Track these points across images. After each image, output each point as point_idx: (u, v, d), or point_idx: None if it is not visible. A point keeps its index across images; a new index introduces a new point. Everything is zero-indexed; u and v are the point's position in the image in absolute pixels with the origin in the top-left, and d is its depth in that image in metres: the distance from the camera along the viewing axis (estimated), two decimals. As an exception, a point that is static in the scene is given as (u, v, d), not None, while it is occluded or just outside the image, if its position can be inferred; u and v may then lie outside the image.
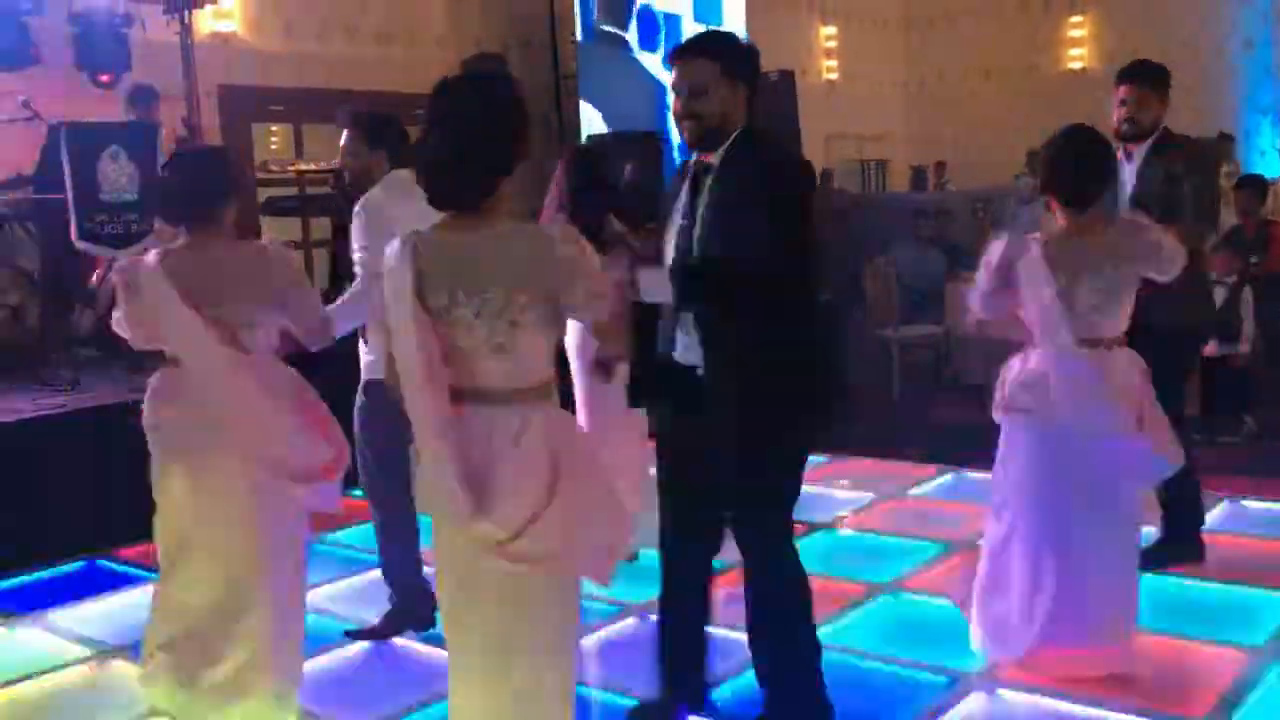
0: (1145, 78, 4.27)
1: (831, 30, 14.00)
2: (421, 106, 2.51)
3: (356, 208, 3.79)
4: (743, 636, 3.23)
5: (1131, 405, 3.40)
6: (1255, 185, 7.66)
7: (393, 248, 2.43)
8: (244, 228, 4.78)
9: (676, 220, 3.08)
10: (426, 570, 3.85)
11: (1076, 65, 13.65)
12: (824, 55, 13.98)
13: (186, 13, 7.33)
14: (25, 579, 4.87)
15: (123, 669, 3.90)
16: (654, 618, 3.43)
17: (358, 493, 4.15)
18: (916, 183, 13.27)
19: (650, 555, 3.46)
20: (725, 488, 3.10)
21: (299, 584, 3.42)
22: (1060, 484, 3.41)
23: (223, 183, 3.35)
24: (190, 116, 7.20)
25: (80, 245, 6.04)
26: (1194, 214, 4.11)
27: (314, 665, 3.69)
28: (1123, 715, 3.28)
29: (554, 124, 9.95)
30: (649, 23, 10.49)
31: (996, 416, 3.59)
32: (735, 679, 3.51)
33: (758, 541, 3.11)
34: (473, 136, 2.39)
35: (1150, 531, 4.14)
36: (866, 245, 9.35)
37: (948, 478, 5.79)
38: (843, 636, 3.87)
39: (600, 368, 4.25)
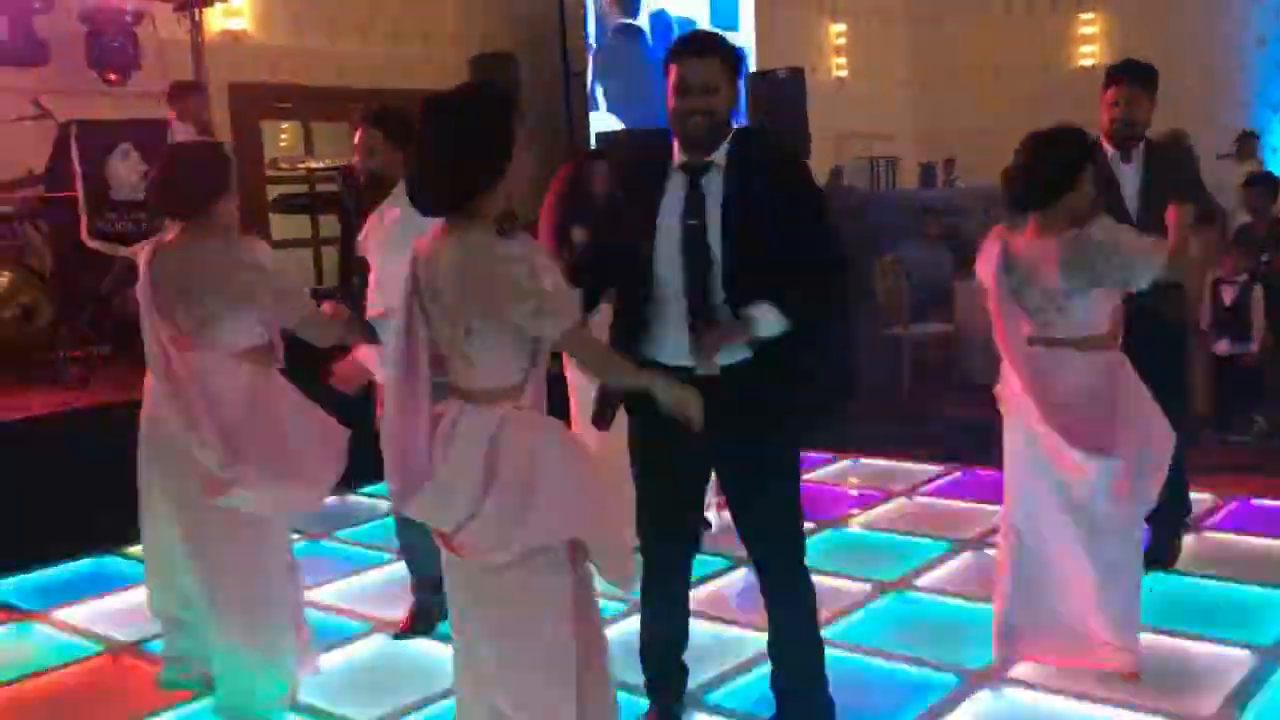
0: (1136, 77, 4.21)
1: (841, 28, 13.98)
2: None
3: (399, 215, 3.60)
4: (742, 635, 3.23)
5: (1083, 411, 3.33)
6: (1266, 183, 7.62)
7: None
8: (250, 225, 4.80)
9: (673, 223, 2.95)
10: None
11: (1087, 63, 13.60)
12: (833, 53, 13.96)
13: (197, 10, 7.36)
14: (36, 575, 4.90)
15: (133, 665, 3.93)
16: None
17: (368, 490, 4.16)
18: (925, 180, 13.24)
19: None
20: (743, 492, 3.09)
21: (259, 593, 3.39)
22: (1049, 482, 3.41)
23: (209, 178, 3.35)
24: (203, 113, 7.22)
25: (91, 243, 6.06)
26: (1203, 202, 4.07)
27: (323, 662, 3.70)
28: (1129, 714, 3.28)
29: (563, 122, 9.95)
30: (663, 27, 10.48)
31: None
32: (735, 678, 3.52)
33: (784, 549, 3.10)
34: (441, 152, 2.46)
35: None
36: (876, 243, 9.33)
37: (956, 476, 5.79)
38: (850, 634, 3.88)
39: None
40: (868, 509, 5.35)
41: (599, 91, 10.18)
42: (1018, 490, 3.51)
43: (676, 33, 10.51)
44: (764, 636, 3.23)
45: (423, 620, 4.01)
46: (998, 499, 3.70)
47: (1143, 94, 4.18)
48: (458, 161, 2.44)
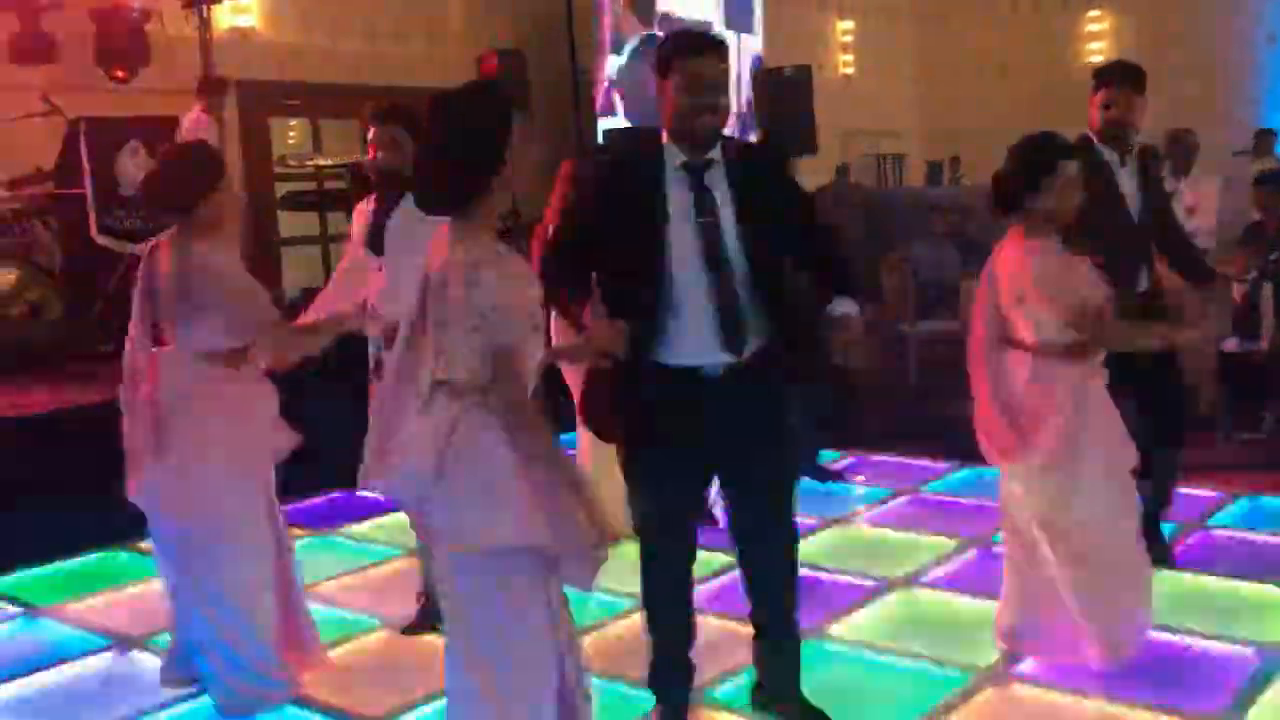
0: (1128, 79, 4.15)
1: (848, 25, 13.98)
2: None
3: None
4: (739, 632, 3.24)
5: (1008, 413, 3.39)
6: (1276, 181, 7.59)
7: None
8: (258, 222, 4.81)
9: (684, 223, 2.94)
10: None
11: (1095, 60, 13.58)
12: (840, 50, 13.96)
13: (205, 8, 7.38)
14: (46, 569, 4.92)
15: (143, 659, 3.94)
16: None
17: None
18: (931, 177, 13.22)
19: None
20: (743, 491, 3.15)
21: (224, 581, 3.41)
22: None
23: (191, 180, 3.36)
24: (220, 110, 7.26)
25: (100, 240, 6.09)
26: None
27: (329, 656, 3.72)
28: (1136, 711, 3.27)
29: (571, 120, 9.96)
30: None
31: None
32: (739, 674, 3.52)
33: (787, 506, 3.20)
34: (438, 151, 2.51)
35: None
36: (883, 240, 9.32)
37: (964, 473, 5.78)
38: (857, 631, 3.88)
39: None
40: (875, 506, 5.35)
41: (615, 97, 10.18)
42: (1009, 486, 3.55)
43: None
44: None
45: (433, 619, 4.02)
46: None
47: (1133, 94, 4.13)
48: (452, 161, 2.46)
